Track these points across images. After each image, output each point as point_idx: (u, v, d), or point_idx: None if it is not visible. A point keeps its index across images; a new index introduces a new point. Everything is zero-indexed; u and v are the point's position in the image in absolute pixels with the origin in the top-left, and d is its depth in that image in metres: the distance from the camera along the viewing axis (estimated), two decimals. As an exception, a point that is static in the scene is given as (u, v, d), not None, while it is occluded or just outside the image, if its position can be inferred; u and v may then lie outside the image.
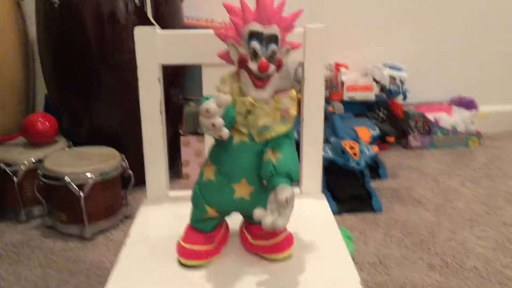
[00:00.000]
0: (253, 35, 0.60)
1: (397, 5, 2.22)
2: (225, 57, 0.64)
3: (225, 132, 0.56)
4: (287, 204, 0.56)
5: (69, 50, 1.61)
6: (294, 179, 0.59)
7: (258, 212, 0.57)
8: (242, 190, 0.63)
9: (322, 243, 0.71)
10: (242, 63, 0.61)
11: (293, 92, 0.64)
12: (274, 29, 0.61)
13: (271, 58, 0.60)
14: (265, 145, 0.62)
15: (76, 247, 1.39)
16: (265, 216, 0.56)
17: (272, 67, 0.60)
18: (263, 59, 0.59)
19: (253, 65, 0.60)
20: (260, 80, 0.60)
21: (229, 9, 0.62)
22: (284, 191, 0.56)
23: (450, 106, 2.25)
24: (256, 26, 0.60)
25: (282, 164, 0.59)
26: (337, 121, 1.78)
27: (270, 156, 0.60)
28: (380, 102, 2.12)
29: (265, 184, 0.61)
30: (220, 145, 0.63)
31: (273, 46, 0.60)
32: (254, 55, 0.60)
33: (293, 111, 0.63)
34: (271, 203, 0.58)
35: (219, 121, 0.54)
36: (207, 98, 0.57)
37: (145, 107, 0.84)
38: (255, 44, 0.60)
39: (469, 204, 1.62)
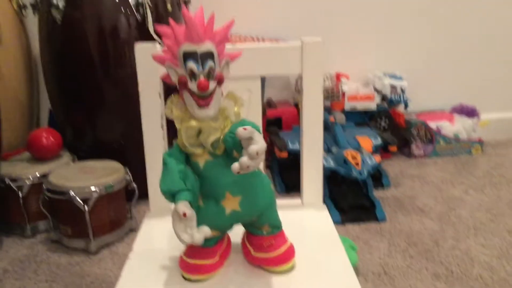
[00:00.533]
0: (188, 55, 0.59)
1: (396, 14, 2.24)
2: (167, 79, 0.63)
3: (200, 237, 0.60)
4: (248, 133, 0.54)
5: (72, 65, 1.63)
6: (253, 125, 0.57)
7: (234, 166, 0.54)
8: (230, 204, 0.63)
9: (324, 255, 0.72)
10: (183, 85, 0.60)
11: (230, 93, 0.64)
12: (208, 46, 0.60)
13: (209, 75, 0.60)
14: (226, 152, 0.62)
15: (81, 261, 1.40)
16: (234, 163, 0.54)
17: (212, 84, 0.60)
18: (202, 78, 0.59)
19: (192, 85, 0.59)
20: (202, 99, 0.60)
21: (162, 33, 0.61)
22: (244, 129, 0.55)
23: (451, 114, 2.25)
24: (189, 46, 0.59)
25: (235, 125, 0.59)
26: (339, 131, 1.78)
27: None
28: (381, 112, 2.12)
29: (236, 155, 0.59)
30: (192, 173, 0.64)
31: (209, 63, 0.60)
32: (192, 75, 0.59)
33: (238, 111, 0.63)
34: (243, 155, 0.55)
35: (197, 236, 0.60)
36: (169, 155, 0.62)
37: (146, 121, 0.85)
38: (191, 64, 0.59)
39: (473, 212, 1.62)
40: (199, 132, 0.61)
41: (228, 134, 0.60)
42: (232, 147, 0.59)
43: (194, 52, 0.59)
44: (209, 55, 0.60)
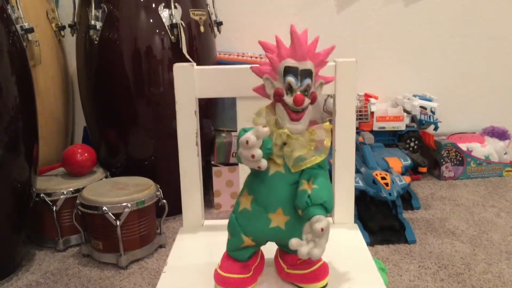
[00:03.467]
0: (289, 70, 0.63)
1: (427, 36, 2.24)
2: (260, 91, 0.66)
3: (264, 163, 0.59)
4: (323, 234, 0.57)
5: (107, 84, 1.68)
6: (329, 210, 0.61)
7: (294, 242, 0.58)
8: (278, 220, 0.65)
9: (357, 273, 0.72)
10: (278, 97, 0.63)
11: (327, 124, 0.66)
12: (308, 65, 0.64)
13: (306, 92, 0.63)
14: (300, 176, 0.64)
15: (112, 275, 1.42)
16: (301, 246, 0.58)
17: (307, 101, 0.63)
18: (298, 93, 0.62)
19: (288, 99, 0.62)
20: (295, 113, 0.63)
21: (265, 47, 0.65)
22: (320, 221, 0.58)
23: (482, 136, 2.22)
24: (291, 62, 0.63)
25: (317, 195, 0.60)
26: (368, 151, 1.78)
27: (305, 187, 0.62)
28: (410, 132, 2.11)
29: (300, 214, 0.62)
30: (257, 175, 0.65)
31: (307, 81, 0.63)
32: (290, 89, 0.63)
33: (328, 142, 0.65)
34: (306, 233, 0.59)
35: (259, 152, 0.57)
36: (245, 130, 0.60)
37: (182, 139, 0.87)
38: (290, 78, 0.62)
39: (505, 236, 1.59)
40: (284, 144, 0.64)
41: (304, 211, 0.61)
42: (298, 208, 0.62)
43: (296, 68, 0.63)
44: (308, 73, 0.63)
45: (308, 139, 0.64)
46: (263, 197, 0.65)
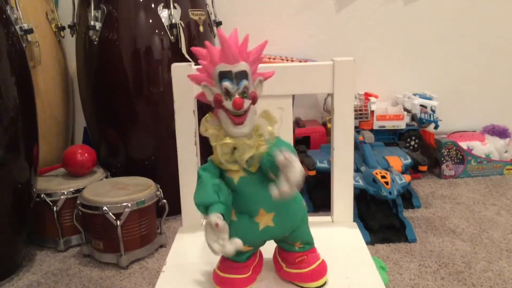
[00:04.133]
0: (223, 75, 0.62)
1: (426, 35, 2.24)
2: (202, 98, 0.66)
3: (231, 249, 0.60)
4: (288, 161, 0.56)
5: (107, 84, 1.68)
6: (288, 146, 0.59)
7: (273, 190, 0.57)
8: (264, 220, 0.65)
9: (356, 272, 0.72)
10: (218, 103, 0.63)
11: (265, 112, 0.65)
12: (242, 66, 0.62)
13: (244, 93, 0.62)
14: (260, 168, 0.64)
15: (112, 275, 1.42)
16: (272, 187, 0.57)
17: (247, 102, 0.62)
18: (237, 97, 0.61)
19: (228, 104, 0.62)
20: (237, 116, 0.62)
21: (198, 54, 0.64)
22: (281, 152, 0.56)
23: (483, 134, 2.22)
24: (224, 66, 0.62)
25: (272, 147, 0.61)
26: (368, 150, 1.78)
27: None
28: (411, 131, 2.11)
29: (272, 176, 0.61)
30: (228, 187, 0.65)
31: (244, 82, 0.62)
32: (227, 94, 0.62)
33: (270, 127, 0.64)
34: (278, 178, 0.57)
35: (228, 247, 0.60)
36: (204, 169, 0.63)
37: (181, 138, 0.87)
38: (226, 83, 0.61)
39: (505, 234, 1.58)
40: (234, 149, 0.63)
41: (266, 156, 0.61)
42: (268, 169, 0.61)
43: (229, 71, 0.62)
44: (243, 75, 0.62)
45: (256, 136, 0.64)
46: (242, 205, 0.65)
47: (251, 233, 0.65)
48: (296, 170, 0.55)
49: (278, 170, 0.57)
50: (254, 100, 0.63)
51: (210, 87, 0.63)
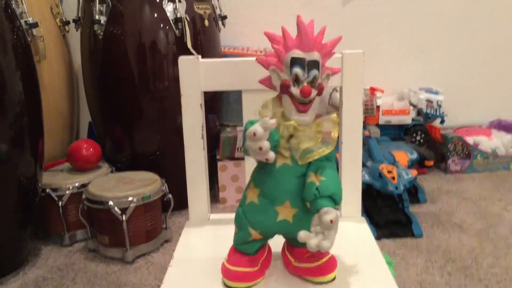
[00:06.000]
0: (295, 61, 0.62)
1: (433, 29, 2.22)
2: (266, 83, 0.65)
3: (272, 155, 0.58)
4: (332, 226, 0.57)
5: (112, 78, 1.68)
6: (337, 202, 0.60)
7: (302, 234, 0.58)
8: (285, 213, 0.64)
9: (365, 266, 0.71)
10: (285, 88, 0.62)
11: (334, 116, 0.65)
12: (315, 55, 0.63)
13: (313, 83, 0.62)
14: (308, 168, 0.63)
15: (118, 270, 1.42)
16: (310, 238, 0.57)
17: (314, 92, 0.62)
18: (305, 84, 0.61)
19: (295, 90, 0.61)
20: (302, 104, 0.62)
21: (271, 38, 0.64)
22: (329, 213, 0.57)
23: (489, 129, 2.20)
24: (298, 53, 0.62)
25: (326, 187, 0.60)
26: (374, 145, 1.77)
27: (313, 179, 0.61)
28: (417, 126, 2.10)
29: (308, 206, 0.61)
30: (263, 168, 0.65)
31: (314, 72, 0.62)
32: (296, 80, 0.62)
33: (335, 134, 0.64)
34: (315, 226, 0.58)
35: (266, 144, 0.56)
36: (252, 122, 0.59)
37: (187, 132, 0.86)
38: (297, 70, 0.61)
39: (513, 229, 1.58)
40: (291, 137, 0.63)
41: (311, 204, 0.61)
42: (306, 201, 0.62)
43: (302, 59, 0.62)
44: (315, 64, 0.62)
45: (315, 131, 0.63)
46: (270, 190, 0.64)
47: (268, 221, 0.64)
48: (334, 234, 0.58)
49: (315, 219, 0.59)
50: (320, 92, 0.63)
51: (278, 72, 0.63)
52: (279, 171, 0.64)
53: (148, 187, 1.47)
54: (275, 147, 0.61)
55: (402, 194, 1.58)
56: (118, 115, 1.72)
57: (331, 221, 0.56)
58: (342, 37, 0.67)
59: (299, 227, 0.60)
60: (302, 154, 0.62)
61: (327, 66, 0.66)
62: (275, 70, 0.63)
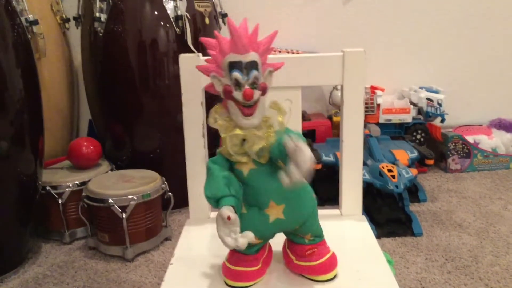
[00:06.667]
0: (233, 65, 0.61)
1: (433, 28, 2.22)
2: (211, 89, 0.65)
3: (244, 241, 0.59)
4: (297, 147, 0.55)
5: (112, 76, 1.68)
6: (298, 135, 0.58)
7: (283, 177, 0.55)
8: (274, 212, 0.64)
9: (366, 264, 0.72)
10: (227, 94, 0.62)
11: (274, 103, 0.64)
12: (252, 56, 0.61)
13: (254, 84, 0.61)
14: (271, 160, 0.63)
15: (118, 268, 1.42)
16: (283, 175, 0.55)
17: (256, 93, 0.61)
18: (247, 87, 0.60)
19: (237, 95, 0.61)
20: (247, 107, 0.61)
21: (207, 44, 0.63)
22: (287, 139, 0.56)
23: (489, 128, 2.20)
24: (234, 57, 0.61)
25: (283, 134, 0.60)
26: (374, 143, 1.77)
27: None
28: (417, 125, 2.10)
29: (282, 165, 0.60)
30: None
31: (254, 73, 0.61)
32: (237, 84, 0.61)
33: (280, 117, 0.63)
34: (288, 166, 0.56)
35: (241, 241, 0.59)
36: (213, 162, 0.62)
37: (188, 130, 0.86)
38: (236, 74, 0.60)
39: (513, 228, 1.58)
40: (243, 140, 0.62)
41: (276, 145, 0.60)
42: (278, 157, 0.60)
43: (239, 62, 0.61)
44: (253, 65, 0.61)
45: (266, 127, 0.63)
46: (251, 197, 0.64)
47: (261, 226, 0.64)
48: (306, 156, 0.54)
49: (288, 158, 0.56)
50: (264, 91, 0.62)
51: (219, 77, 0.62)
52: (250, 177, 0.64)
53: (149, 185, 1.47)
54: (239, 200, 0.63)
55: (402, 193, 1.58)
56: (118, 113, 1.72)
57: (296, 145, 0.55)
58: (278, 31, 0.64)
59: (292, 218, 0.60)
60: (259, 154, 0.62)
61: (268, 63, 0.65)
62: (215, 76, 0.63)
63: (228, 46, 0.61)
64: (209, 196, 0.62)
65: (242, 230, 0.61)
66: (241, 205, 0.63)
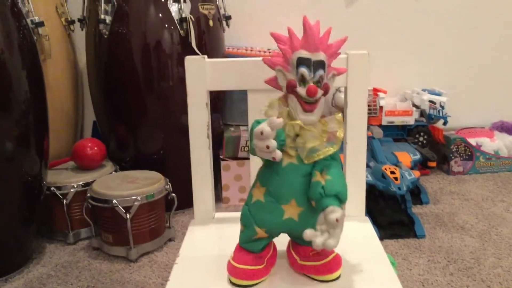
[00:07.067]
0: (301, 61, 0.62)
1: (436, 30, 2.23)
2: (272, 83, 0.66)
3: (279, 154, 0.59)
4: (338, 224, 0.57)
5: (116, 78, 1.69)
6: (343, 200, 0.60)
7: (308, 233, 0.58)
8: (291, 211, 0.65)
9: (369, 265, 0.72)
10: (291, 88, 0.63)
11: (339, 115, 0.66)
12: (321, 56, 0.63)
13: (319, 83, 0.63)
14: (313, 167, 0.64)
15: (122, 268, 1.43)
16: (316, 237, 0.58)
17: (320, 92, 0.63)
18: (311, 84, 0.62)
19: (301, 90, 0.62)
20: (308, 104, 0.63)
21: (277, 38, 0.65)
22: (334, 212, 0.58)
23: (492, 131, 2.21)
24: (304, 53, 0.63)
25: (331, 185, 0.60)
26: (377, 145, 1.78)
27: (319, 178, 0.62)
28: (419, 127, 2.11)
29: (313, 205, 0.62)
30: (269, 167, 0.65)
31: (320, 72, 0.63)
32: (303, 80, 0.62)
33: (340, 134, 0.64)
34: (320, 224, 0.59)
35: (273, 143, 0.57)
36: (258, 122, 0.60)
37: (193, 131, 0.87)
38: (303, 70, 0.62)
39: (515, 231, 1.58)
40: (297, 136, 0.63)
41: (317, 203, 0.61)
42: (316, 207, 0.62)
43: (309, 59, 0.63)
44: (321, 64, 0.63)
45: (321, 130, 0.64)
46: (276, 188, 0.65)
47: (274, 219, 0.65)
48: (340, 233, 0.58)
49: (322, 218, 0.59)
50: (326, 92, 0.64)
51: (284, 72, 0.64)
52: (285, 170, 0.64)
53: (152, 186, 1.48)
54: (281, 146, 0.62)
55: (405, 194, 1.58)
56: (123, 114, 1.73)
57: (337, 220, 0.57)
58: (347, 38, 0.67)
59: (304, 225, 0.61)
60: (308, 153, 0.63)
61: (332, 66, 0.67)
62: (281, 70, 0.64)
63: (299, 43, 0.63)
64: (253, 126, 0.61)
65: (255, 219, 0.64)
66: (280, 149, 0.62)
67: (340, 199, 0.60)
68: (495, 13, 2.23)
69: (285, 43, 0.64)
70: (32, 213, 1.46)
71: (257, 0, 2.14)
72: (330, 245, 0.57)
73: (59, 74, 1.78)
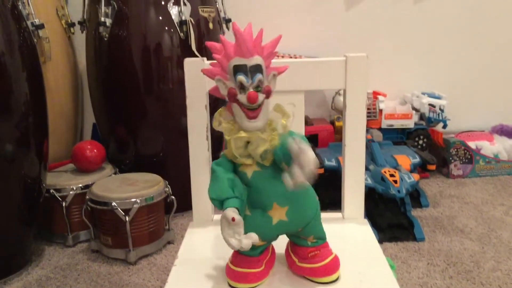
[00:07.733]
0: (238, 68, 0.62)
1: (435, 33, 2.23)
2: (216, 92, 0.66)
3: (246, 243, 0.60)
4: (301, 149, 0.56)
5: (116, 80, 1.69)
6: (301, 137, 0.59)
7: (286, 179, 0.57)
8: (278, 214, 0.65)
9: (368, 267, 0.72)
10: (232, 97, 0.63)
11: (278, 106, 0.66)
12: (257, 60, 0.63)
13: (259, 87, 0.62)
14: (274, 162, 0.64)
15: (121, 271, 1.43)
16: (286, 177, 0.56)
17: (261, 97, 0.62)
18: (251, 90, 0.61)
19: (242, 98, 0.62)
20: (251, 110, 0.62)
21: (212, 48, 0.65)
22: (294, 141, 0.57)
23: (491, 134, 2.21)
24: (239, 60, 0.62)
25: (283, 138, 0.61)
26: (376, 148, 1.78)
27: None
28: (419, 130, 2.11)
29: (285, 167, 0.60)
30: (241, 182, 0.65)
31: (258, 76, 0.62)
32: (242, 87, 0.62)
33: (284, 120, 0.64)
34: (292, 167, 0.57)
35: (245, 242, 0.59)
36: (217, 164, 0.64)
37: (192, 133, 0.87)
38: (241, 77, 0.62)
39: (514, 234, 1.58)
40: (247, 143, 0.63)
41: (279, 147, 0.61)
42: (282, 160, 0.61)
43: (244, 65, 0.62)
44: (258, 69, 0.62)
45: (270, 130, 0.64)
46: (255, 199, 0.65)
47: (265, 227, 0.65)
48: (309, 157, 0.55)
49: (292, 160, 0.57)
50: (268, 94, 0.63)
51: (224, 81, 0.64)
52: (254, 180, 0.65)
53: (152, 189, 1.48)
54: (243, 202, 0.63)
55: (404, 197, 1.58)
56: (122, 117, 1.73)
57: (299, 148, 0.56)
58: (281, 36, 0.66)
59: (295, 220, 0.61)
60: (262, 157, 0.63)
61: (272, 67, 0.66)
62: (220, 79, 0.64)
63: (233, 50, 0.62)
64: (214, 198, 0.63)
65: (246, 232, 0.62)
66: (245, 207, 0.64)
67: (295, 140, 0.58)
68: (495, 17, 2.23)
69: (220, 52, 0.64)
70: (32, 216, 1.46)
71: (257, 3, 2.14)
72: (296, 175, 0.55)
73: (59, 76, 1.78)
